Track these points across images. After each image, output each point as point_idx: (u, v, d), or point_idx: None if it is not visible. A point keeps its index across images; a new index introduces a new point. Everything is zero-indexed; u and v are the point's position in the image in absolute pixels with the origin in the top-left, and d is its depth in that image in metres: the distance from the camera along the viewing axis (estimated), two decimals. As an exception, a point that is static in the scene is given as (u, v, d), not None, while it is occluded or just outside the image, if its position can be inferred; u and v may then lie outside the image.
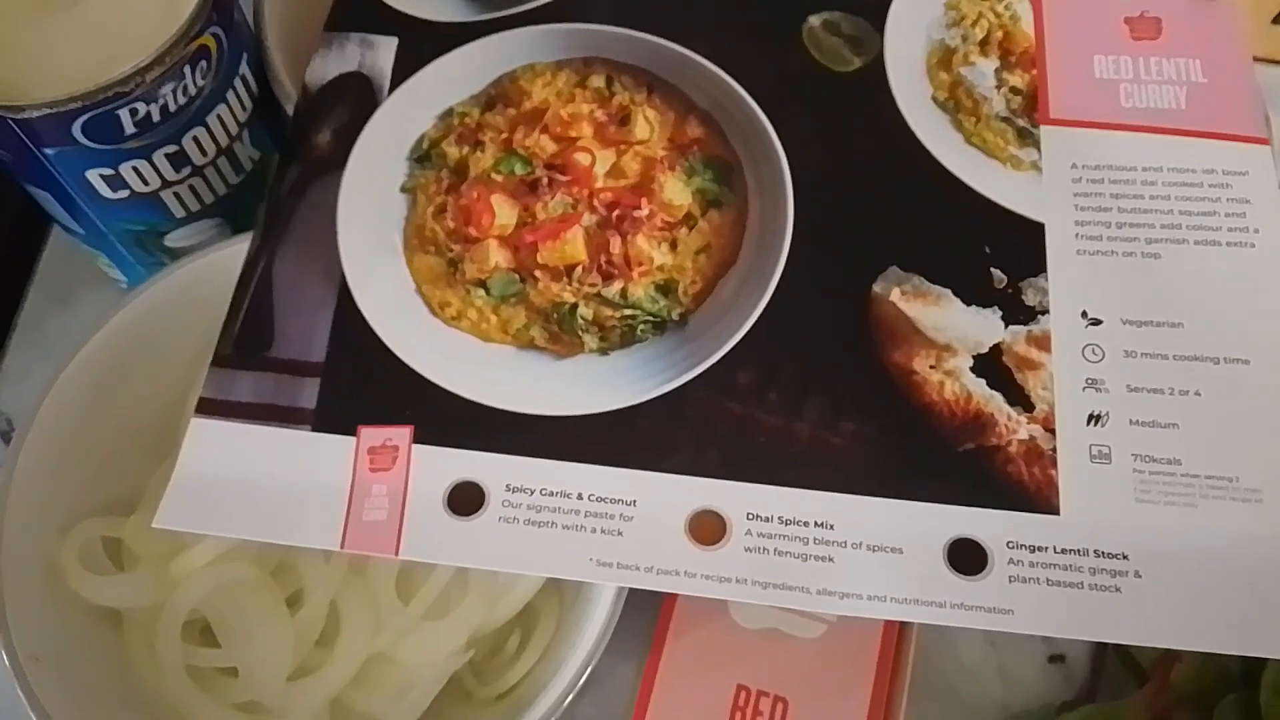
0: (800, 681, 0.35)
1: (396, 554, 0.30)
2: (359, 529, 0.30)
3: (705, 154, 0.36)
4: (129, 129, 0.34)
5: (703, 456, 0.31)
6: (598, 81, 0.38)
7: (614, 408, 0.32)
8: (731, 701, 0.35)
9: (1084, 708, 0.38)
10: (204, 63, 0.35)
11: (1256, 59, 0.52)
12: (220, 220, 0.40)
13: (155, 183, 0.37)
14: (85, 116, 0.33)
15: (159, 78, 0.33)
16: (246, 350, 0.33)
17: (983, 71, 0.37)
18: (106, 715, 0.33)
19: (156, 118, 0.34)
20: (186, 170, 0.37)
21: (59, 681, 0.31)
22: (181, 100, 0.35)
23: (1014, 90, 0.36)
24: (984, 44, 0.37)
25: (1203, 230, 0.33)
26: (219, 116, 0.37)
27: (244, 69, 0.37)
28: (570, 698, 0.31)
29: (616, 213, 0.35)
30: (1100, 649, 0.39)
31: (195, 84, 0.35)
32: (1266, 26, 0.51)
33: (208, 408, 0.33)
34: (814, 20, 0.38)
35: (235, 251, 0.36)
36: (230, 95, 0.37)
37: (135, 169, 0.36)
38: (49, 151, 0.34)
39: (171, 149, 0.36)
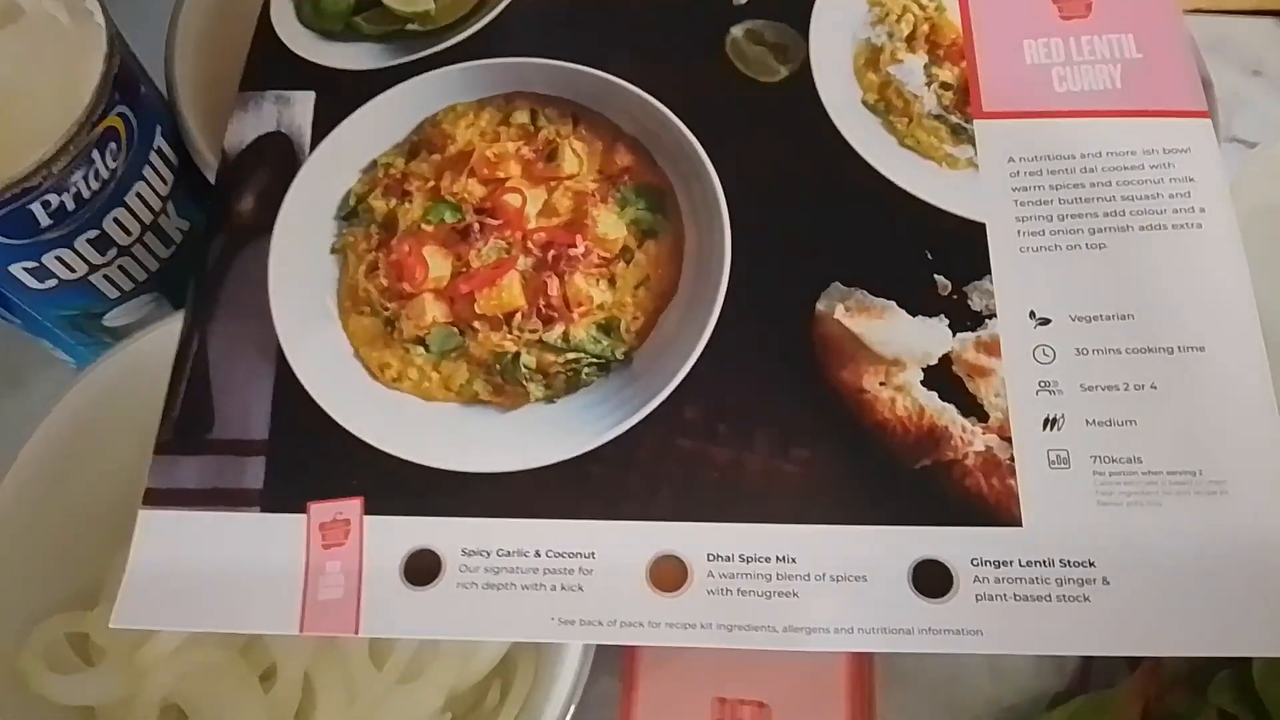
0: (776, 684, 0.35)
1: (356, 632, 0.30)
2: (316, 609, 0.30)
3: (636, 182, 0.35)
4: (44, 221, 0.33)
5: (656, 499, 0.31)
6: (522, 117, 0.37)
7: (565, 457, 0.32)
8: (710, 715, 0.35)
9: (1076, 700, 0.38)
10: (113, 144, 0.34)
11: (1197, 10, 0.51)
12: (157, 294, 0.39)
13: (82, 269, 0.36)
14: (-4, 214, 0.32)
15: (66, 167, 0.33)
16: (187, 434, 0.33)
17: (911, 68, 0.36)
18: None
19: (71, 206, 0.34)
20: (112, 252, 0.36)
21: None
22: (95, 185, 0.34)
23: (944, 85, 0.35)
24: (910, 39, 0.36)
25: (1147, 215, 0.32)
26: (138, 194, 0.36)
27: (159, 142, 0.37)
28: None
29: (552, 253, 0.34)
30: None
31: (107, 167, 0.34)
32: (1207, -22, 0.50)
33: (154, 498, 0.32)
34: (736, 31, 0.37)
35: (178, 328, 0.35)
36: (147, 171, 0.36)
37: (59, 258, 0.35)
38: (-34, 251, 0.33)
39: (93, 233, 0.35)
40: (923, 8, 0.37)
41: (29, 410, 0.45)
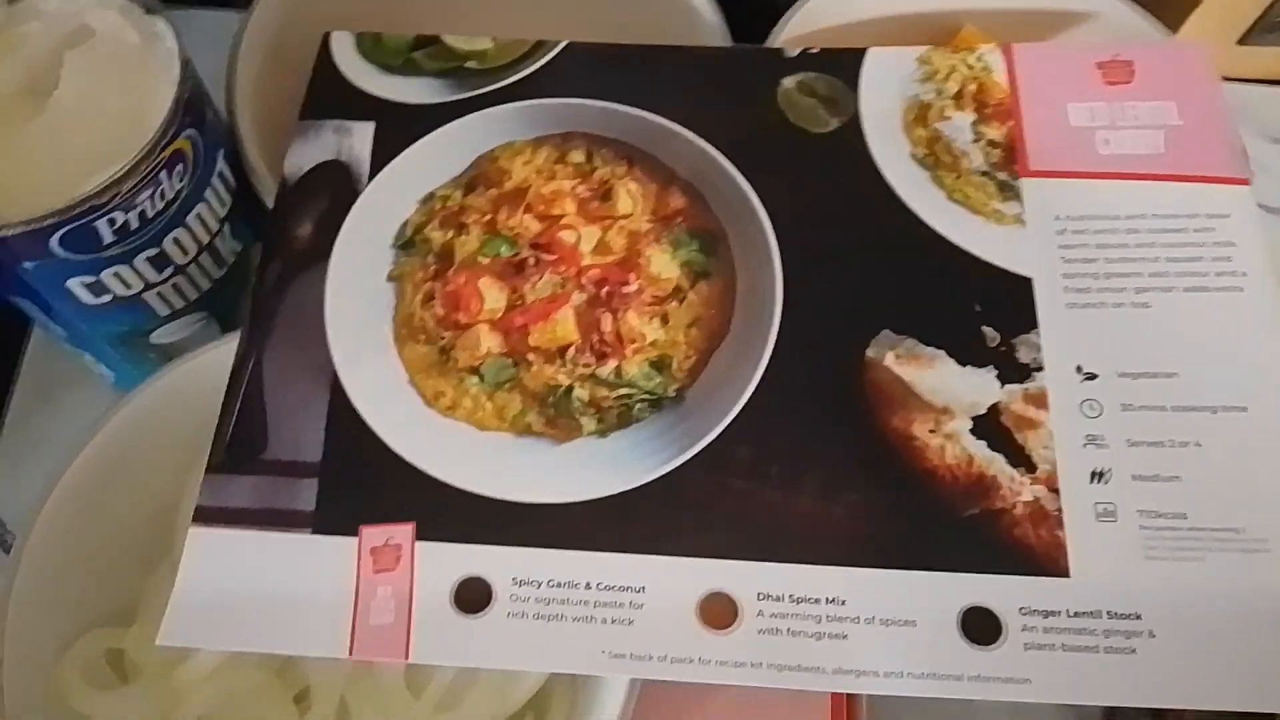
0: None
1: (407, 658, 0.30)
2: (366, 634, 0.30)
3: (690, 225, 0.36)
4: (108, 238, 0.34)
5: (708, 536, 0.31)
6: (578, 156, 0.38)
7: (616, 491, 0.32)
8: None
9: (1103, 748, 0.38)
10: (180, 166, 0.34)
11: (1226, 79, 0.53)
12: (205, 314, 0.40)
13: (138, 286, 0.36)
14: (62, 230, 0.32)
15: (135, 186, 0.33)
16: (241, 454, 0.33)
17: (959, 125, 0.37)
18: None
19: (135, 225, 0.34)
20: (169, 271, 0.37)
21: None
22: (159, 205, 0.34)
23: (992, 143, 0.36)
24: (959, 97, 0.37)
25: (1191, 276, 0.33)
26: (199, 215, 0.36)
27: (221, 164, 0.37)
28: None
29: (606, 289, 0.35)
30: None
31: (173, 188, 0.35)
32: (1232, 48, 0.52)
33: (205, 516, 0.32)
34: (788, 82, 0.38)
35: (225, 351, 0.35)
36: (209, 193, 0.37)
37: (117, 275, 0.35)
38: (27, 265, 0.34)
39: (152, 252, 0.36)
40: (970, 67, 0.38)
41: (60, 427, 0.46)
